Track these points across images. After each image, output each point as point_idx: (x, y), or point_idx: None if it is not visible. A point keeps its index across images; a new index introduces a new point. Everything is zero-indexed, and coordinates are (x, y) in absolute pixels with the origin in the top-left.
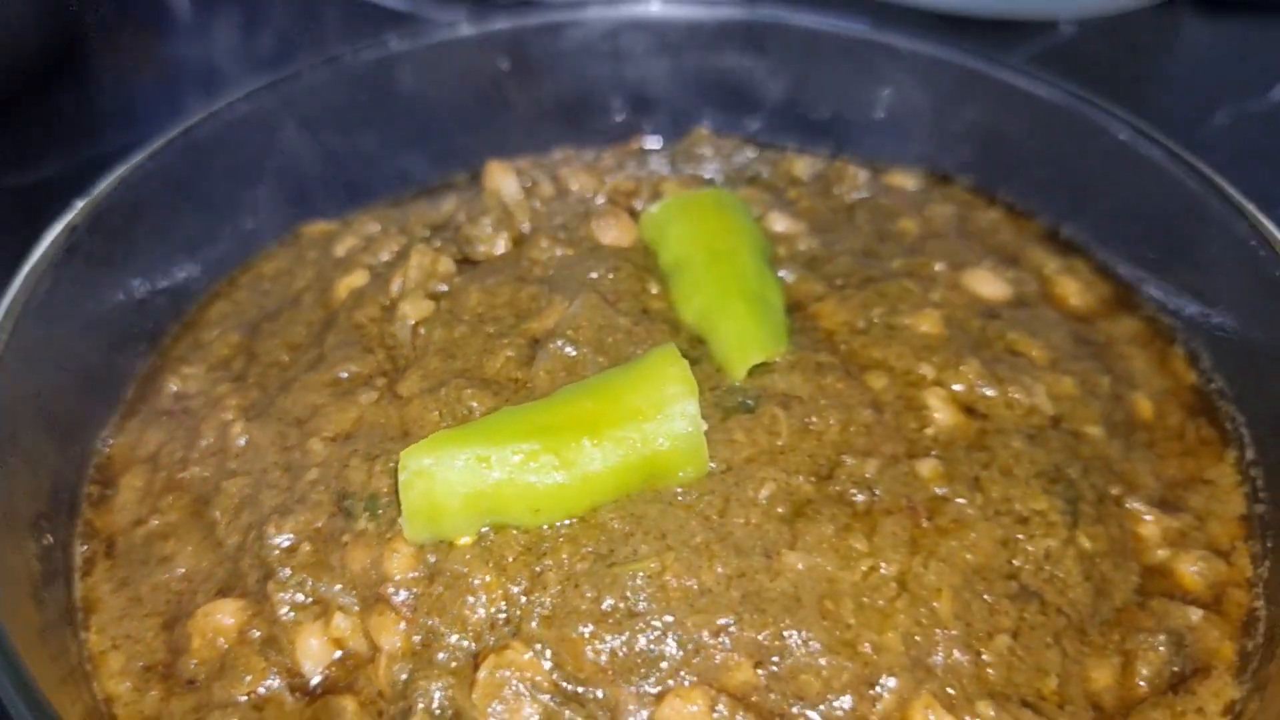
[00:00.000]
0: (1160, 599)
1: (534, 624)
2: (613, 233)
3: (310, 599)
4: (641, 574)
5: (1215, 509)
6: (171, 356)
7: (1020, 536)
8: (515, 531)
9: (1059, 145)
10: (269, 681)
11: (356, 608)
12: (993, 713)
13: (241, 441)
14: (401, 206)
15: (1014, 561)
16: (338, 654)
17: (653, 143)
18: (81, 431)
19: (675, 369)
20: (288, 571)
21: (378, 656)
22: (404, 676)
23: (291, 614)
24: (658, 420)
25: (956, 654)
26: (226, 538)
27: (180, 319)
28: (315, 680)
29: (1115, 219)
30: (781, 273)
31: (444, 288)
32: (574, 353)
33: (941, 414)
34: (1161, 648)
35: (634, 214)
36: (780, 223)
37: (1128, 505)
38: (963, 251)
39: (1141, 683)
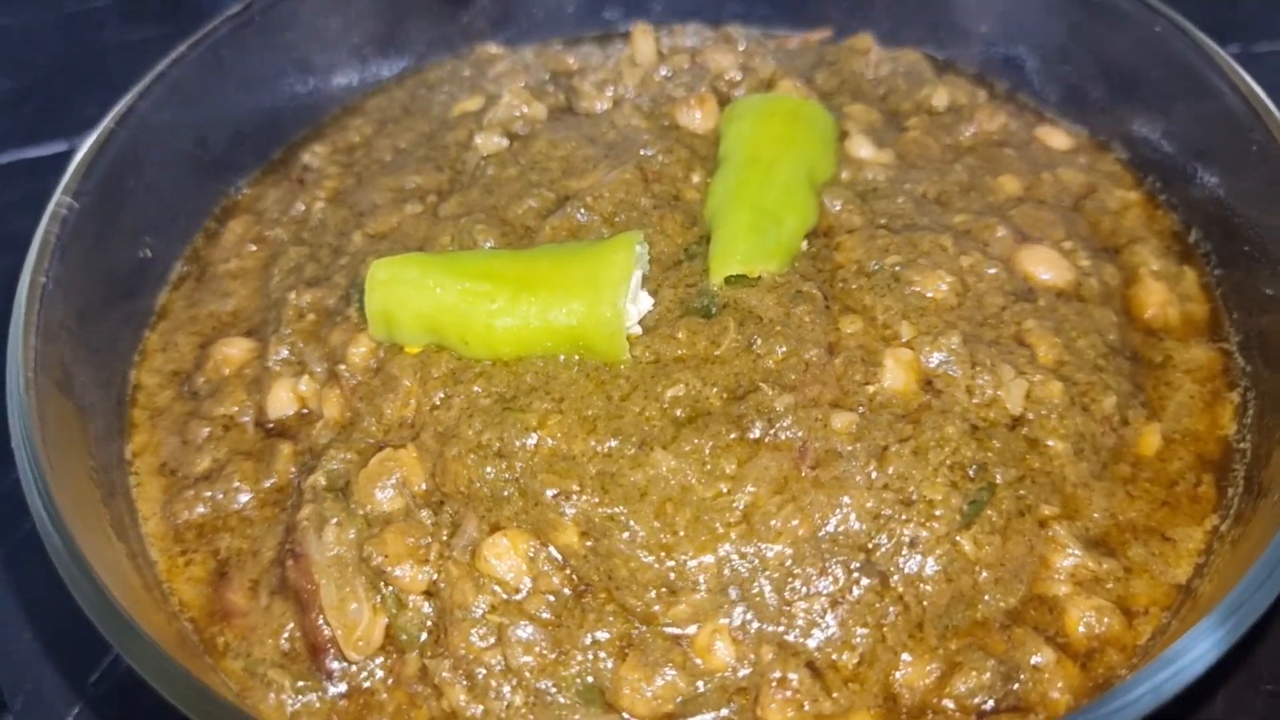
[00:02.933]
0: (1028, 629)
1: (428, 436)
2: (693, 116)
3: (295, 359)
4: (521, 424)
5: (1154, 569)
6: (321, 132)
7: (894, 517)
8: (448, 355)
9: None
10: (242, 411)
11: (323, 376)
12: (771, 657)
13: (318, 219)
14: (572, 47)
15: (874, 538)
16: (295, 409)
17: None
18: (226, 174)
19: (621, 259)
20: (289, 331)
21: (323, 418)
22: (325, 440)
23: (277, 366)
24: (585, 300)
25: (767, 596)
26: (273, 292)
27: (345, 104)
28: (271, 423)
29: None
30: (832, 199)
31: (524, 130)
32: (584, 218)
33: (892, 377)
34: (988, 674)
35: (728, 103)
36: (865, 149)
37: (1052, 531)
38: (1050, 226)
39: (948, 701)
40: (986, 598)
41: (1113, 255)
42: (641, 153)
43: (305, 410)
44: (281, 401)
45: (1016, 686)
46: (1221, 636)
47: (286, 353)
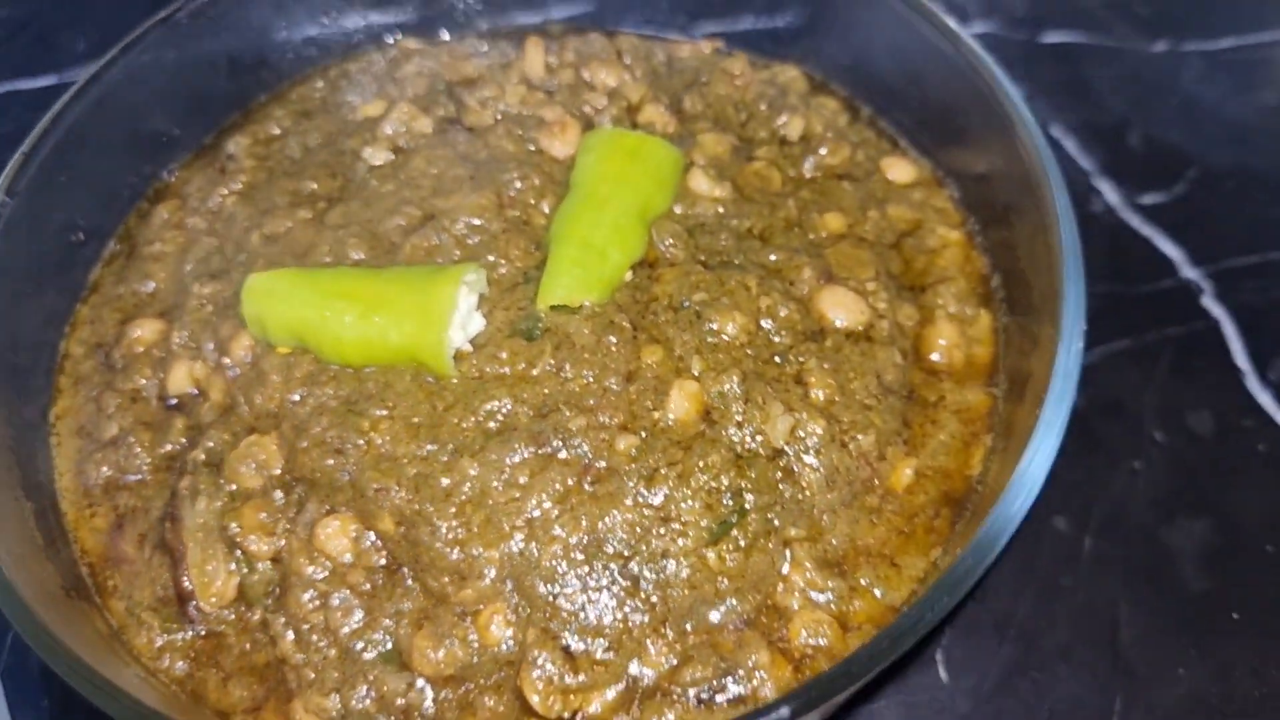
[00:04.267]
0: (755, 633)
1: (287, 427)
2: (556, 144)
3: (192, 344)
4: (356, 427)
5: (877, 592)
6: (249, 118)
7: (651, 530)
8: (310, 358)
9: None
10: (148, 385)
11: (213, 363)
12: (534, 638)
13: (228, 212)
14: (482, 41)
15: (633, 546)
16: (190, 389)
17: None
18: (160, 156)
19: (448, 291)
20: (190, 319)
21: (206, 402)
22: (210, 420)
23: (177, 349)
24: (416, 323)
25: (539, 589)
26: (185, 279)
27: (275, 91)
28: (171, 400)
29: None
30: (661, 234)
31: (409, 144)
32: (440, 239)
33: (677, 407)
34: (710, 669)
35: (591, 127)
36: (703, 183)
37: (793, 550)
38: (861, 265)
39: (676, 687)
40: (726, 603)
41: (916, 295)
42: (503, 177)
43: (196, 392)
44: (179, 381)
45: (732, 679)
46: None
47: (186, 338)
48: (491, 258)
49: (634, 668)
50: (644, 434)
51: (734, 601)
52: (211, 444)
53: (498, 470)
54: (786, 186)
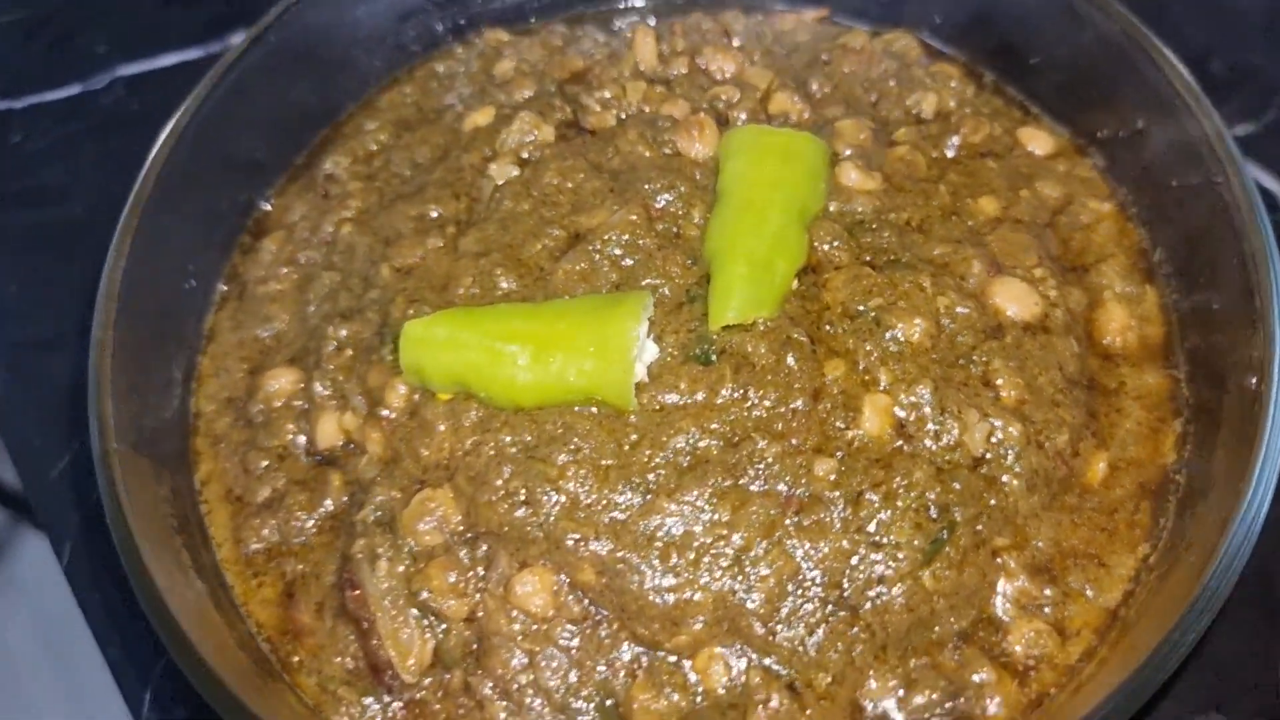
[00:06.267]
0: (975, 650)
1: (462, 479)
2: (696, 145)
3: (338, 393)
4: (544, 475)
5: (1089, 594)
6: (341, 133)
7: (864, 560)
8: (477, 404)
9: None
10: (294, 439)
11: (364, 412)
12: (757, 680)
13: (345, 243)
14: (572, 27)
15: (847, 576)
16: (341, 441)
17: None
18: (253, 182)
19: (629, 324)
20: (331, 366)
21: (365, 453)
22: (372, 475)
23: (321, 400)
24: (597, 360)
25: (756, 627)
26: (310, 319)
27: (359, 99)
28: (320, 454)
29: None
30: (820, 236)
31: (534, 155)
32: (595, 264)
33: (870, 423)
34: (937, 695)
35: (727, 124)
36: (853, 175)
37: (1002, 559)
38: (1024, 250)
39: (902, 713)
40: (941, 621)
41: (1081, 275)
42: (646, 188)
43: (350, 444)
44: (329, 434)
45: (962, 701)
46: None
47: (329, 388)
48: (650, 279)
49: (861, 699)
50: (840, 455)
51: (951, 620)
52: (380, 499)
53: (696, 510)
54: (933, 170)
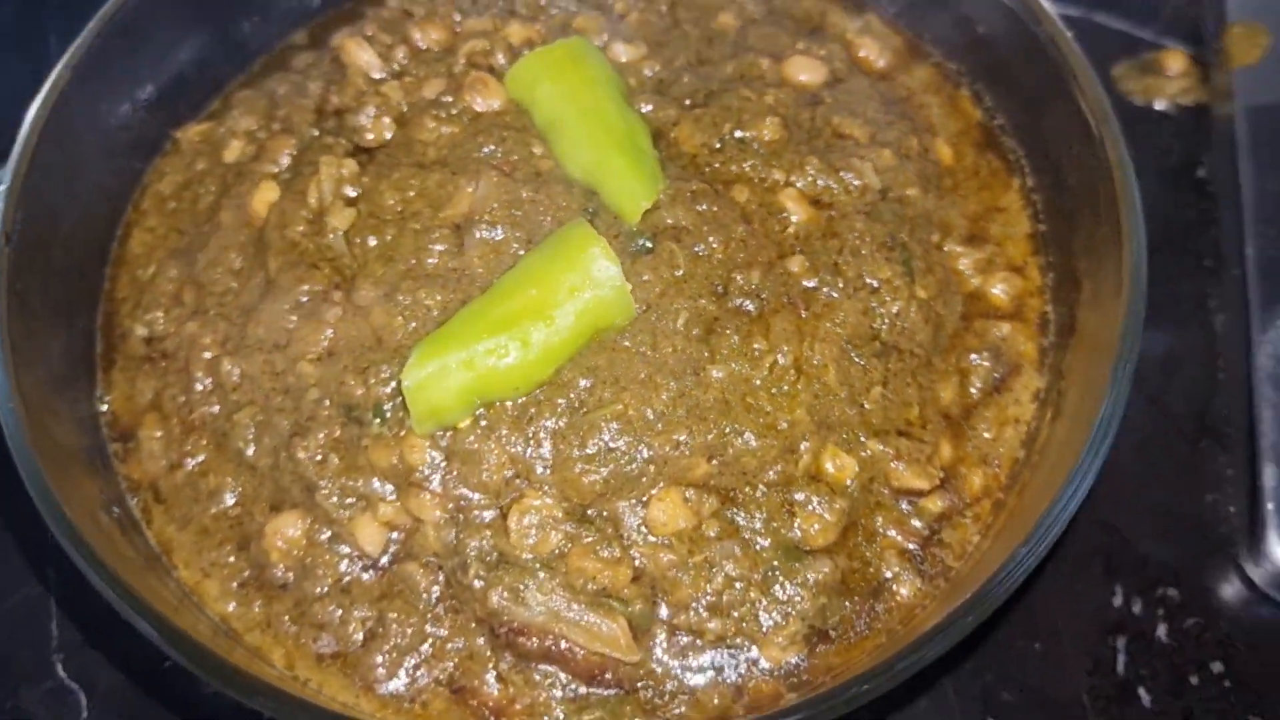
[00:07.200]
0: (979, 320)
1: (538, 473)
2: (487, 100)
3: (355, 498)
4: (608, 415)
5: (1009, 232)
6: (119, 299)
7: (875, 304)
8: (496, 408)
9: None
10: (346, 567)
11: (394, 495)
12: (880, 446)
13: (235, 376)
14: (257, 85)
15: (874, 325)
16: (392, 534)
17: None
18: (79, 394)
19: (592, 243)
20: (326, 482)
21: (424, 527)
22: (452, 537)
23: (345, 513)
24: (591, 291)
25: (846, 410)
26: (257, 462)
27: (105, 259)
28: (382, 558)
29: None
30: (639, 105)
31: (354, 190)
32: (495, 235)
33: (796, 213)
34: (986, 361)
35: (495, 72)
36: (622, 52)
37: (946, 249)
38: (779, 37)
39: (974, 391)
40: (943, 320)
41: (823, 36)
42: (483, 152)
43: (400, 533)
44: (374, 538)
45: (1001, 354)
46: None
47: (340, 501)
48: (547, 218)
49: (948, 409)
50: (798, 248)
51: (948, 314)
52: (476, 548)
53: (739, 356)
54: (668, 17)
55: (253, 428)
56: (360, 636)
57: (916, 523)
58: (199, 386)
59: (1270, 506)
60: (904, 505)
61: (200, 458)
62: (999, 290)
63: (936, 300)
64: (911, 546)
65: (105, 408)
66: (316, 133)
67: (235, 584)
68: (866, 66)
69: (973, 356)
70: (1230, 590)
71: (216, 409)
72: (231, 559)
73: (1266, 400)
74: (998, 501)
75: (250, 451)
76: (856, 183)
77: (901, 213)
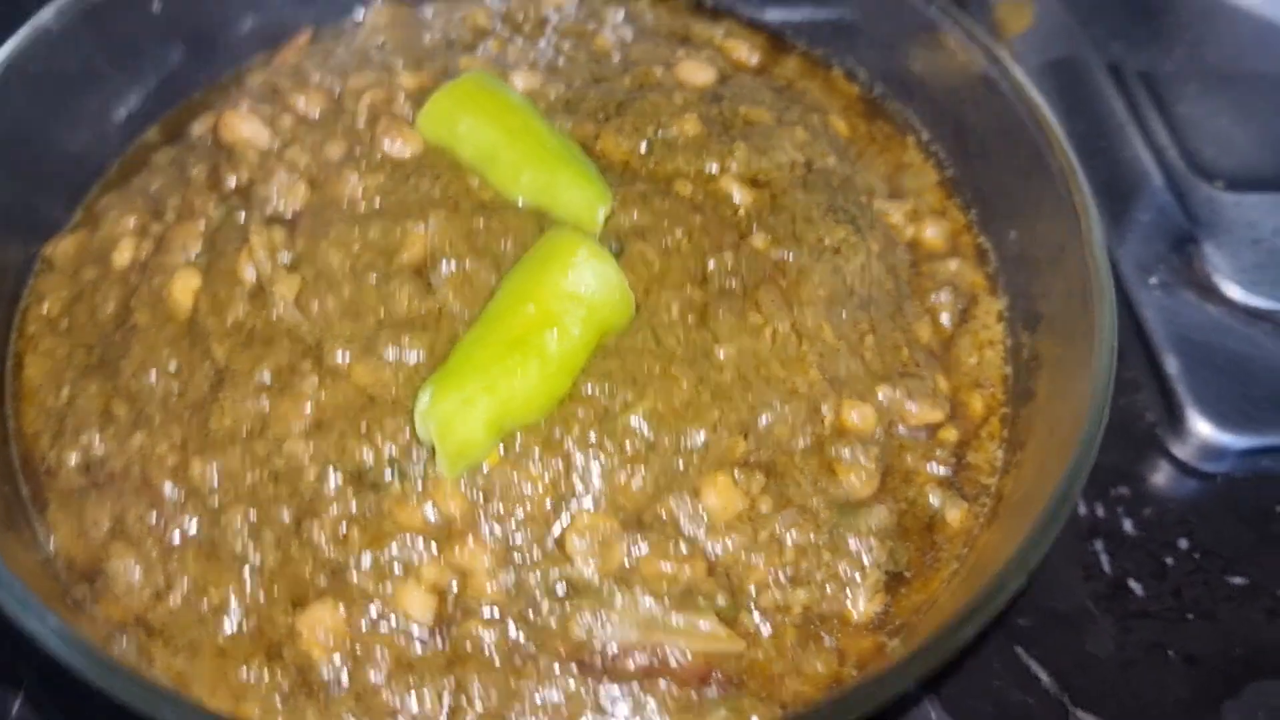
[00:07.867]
0: (927, 263)
1: (582, 489)
2: (401, 145)
3: (391, 568)
4: (639, 415)
5: (922, 184)
6: (31, 434)
7: (840, 263)
8: (520, 435)
9: None
10: (400, 642)
11: (433, 553)
12: (890, 389)
13: (211, 476)
14: (121, 187)
15: (847, 281)
16: (442, 591)
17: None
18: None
19: (579, 244)
20: (354, 560)
21: (475, 578)
22: (510, 580)
23: (385, 586)
24: (592, 291)
25: (851, 363)
26: (262, 561)
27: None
28: (437, 627)
29: None
30: (559, 124)
31: (288, 257)
32: (461, 267)
33: (740, 194)
34: (946, 296)
35: (402, 119)
36: (520, 80)
37: (877, 207)
38: (659, 49)
39: (946, 324)
40: (897, 265)
41: (696, 43)
42: (414, 197)
43: (453, 585)
44: (424, 603)
45: (959, 291)
46: None
47: (376, 577)
48: (505, 242)
49: (924, 342)
50: (754, 226)
51: (899, 262)
52: (549, 588)
53: (742, 332)
54: (547, 50)
55: (247, 528)
56: (444, 714)
57: (941, 452)
58: (170, 500)
59: (1180, 389)
60: (925, 439)
61: (187, 576)
62: (932, 233)
63: (888, 252)
64: (945, 472)
65: (54, 550)
66: (222, 215)
67: (278, 695)
68: (743, 65)
69: (933, 296)
70: (1169, 474)
71: (198, 517)
72: (263, 673)
73: (1143, 303)
74: (1004, 416)
75: (251, 554)
76: (784, 159)
77: (830, 181)
